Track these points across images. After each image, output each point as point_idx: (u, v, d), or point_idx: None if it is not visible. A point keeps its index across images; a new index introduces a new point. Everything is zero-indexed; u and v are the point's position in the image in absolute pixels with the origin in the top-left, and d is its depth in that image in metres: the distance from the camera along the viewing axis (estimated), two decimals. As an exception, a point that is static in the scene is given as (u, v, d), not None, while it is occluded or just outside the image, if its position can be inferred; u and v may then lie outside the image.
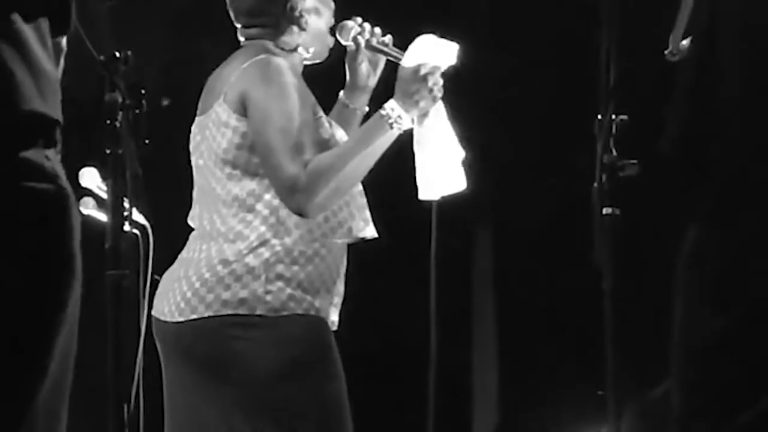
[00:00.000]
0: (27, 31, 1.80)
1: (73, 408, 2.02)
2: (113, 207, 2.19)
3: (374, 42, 3.09)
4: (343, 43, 3.09)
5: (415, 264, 3.34)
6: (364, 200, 3.02)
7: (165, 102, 4.52)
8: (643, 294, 3.28)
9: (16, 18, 1.78)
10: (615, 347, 2.56)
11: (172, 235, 3.10)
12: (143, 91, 2.13)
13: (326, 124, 2.99)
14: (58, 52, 1.90)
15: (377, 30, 3.12)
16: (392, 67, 3.04)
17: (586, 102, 2.50)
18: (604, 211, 2.47)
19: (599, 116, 2.51)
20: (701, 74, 2.35)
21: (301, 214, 2.80)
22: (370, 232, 2.99)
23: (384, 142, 2.86)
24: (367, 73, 3.14)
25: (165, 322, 2.90)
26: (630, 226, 2.44)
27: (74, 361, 1.93)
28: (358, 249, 3.10)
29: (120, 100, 2.10)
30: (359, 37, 3.08)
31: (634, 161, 2.50)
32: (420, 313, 3.08)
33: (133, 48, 2.15)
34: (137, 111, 2.13)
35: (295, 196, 2.79)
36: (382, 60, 3.13)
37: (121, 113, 2.11)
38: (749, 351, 2.34)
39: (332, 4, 3.08)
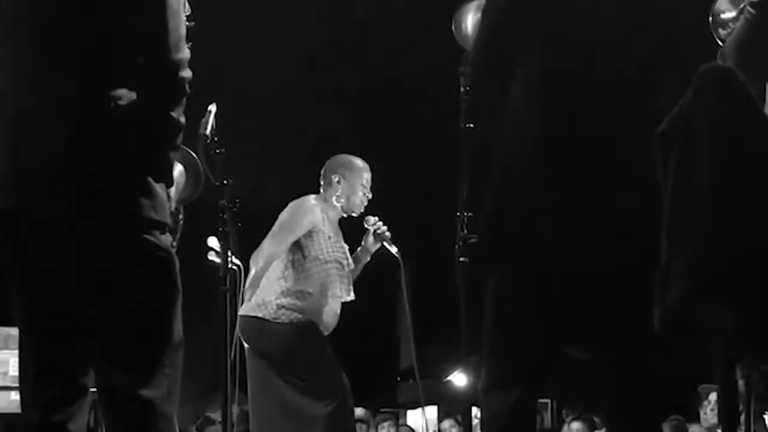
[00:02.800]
0: (154, 184, 2.60)
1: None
2: (224, 256, 4.16)
3: (380, 233, 5.23)
4: (366, 226, 5.25)
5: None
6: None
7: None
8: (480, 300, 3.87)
9: (150, 179, 2.59)
10: (468, 327, 3.97)
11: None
12: (237, 200, 4.24)
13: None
14: (168, 194, 2.71)
15: (384, 228, 5.22)
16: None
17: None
18: (461, 259, 4.22)
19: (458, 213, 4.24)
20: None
21: None
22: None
23: None
24: (369, 249, 5.30)
25: None
26: (471, 267, 4.16)
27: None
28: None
29: (226, 204, 4.13)
30: (374, 227, 5.24)
31: (474, 236, 4.25)
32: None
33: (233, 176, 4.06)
34: (234, 209, 4.20)
35: None
36: (378, 245, 5.20)
37: (226, 211, 4.14)
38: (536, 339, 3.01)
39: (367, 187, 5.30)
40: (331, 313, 5.21)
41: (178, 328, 2.65)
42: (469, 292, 3.93)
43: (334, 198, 5.33)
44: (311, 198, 5.30)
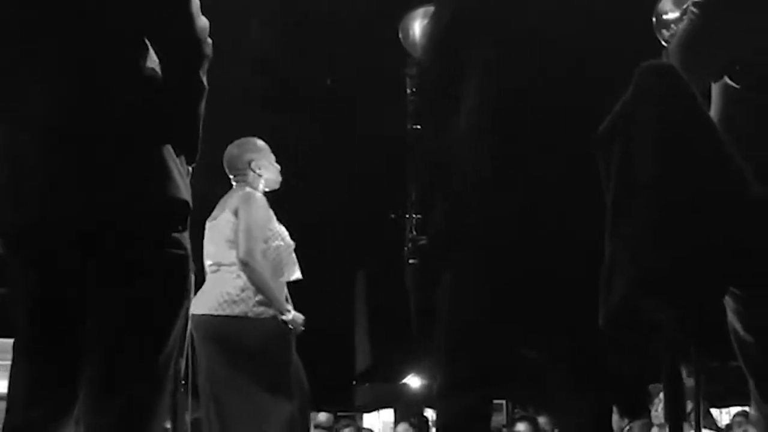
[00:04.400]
0: (176, 160, 2.50)
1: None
2: None
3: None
4: None
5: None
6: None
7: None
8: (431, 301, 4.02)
9: (172, 151, 2.48)
10: (419, 328, 4.12)
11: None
12: None
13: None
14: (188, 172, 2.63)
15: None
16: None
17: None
18: (410, 261, 4.27)
19: (407, 215, 4.32)
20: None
21: None
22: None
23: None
24: None
25: None
26: (421, 269, 4.24)
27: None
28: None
29: None
30: None
31: (424, 238, 4.28)
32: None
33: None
34: None
35: None
36: None
37: None
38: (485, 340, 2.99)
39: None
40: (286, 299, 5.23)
41: (177, 329, 2.62)
42: (419, 294, 4.01)
43: (261, 184, 5.38)
44: (252, 191, 5.32)
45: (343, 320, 18.38)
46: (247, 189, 5.30)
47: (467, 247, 3.02)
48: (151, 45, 2.54)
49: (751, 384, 2.94)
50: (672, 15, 3.19)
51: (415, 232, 4.06)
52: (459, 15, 3.08)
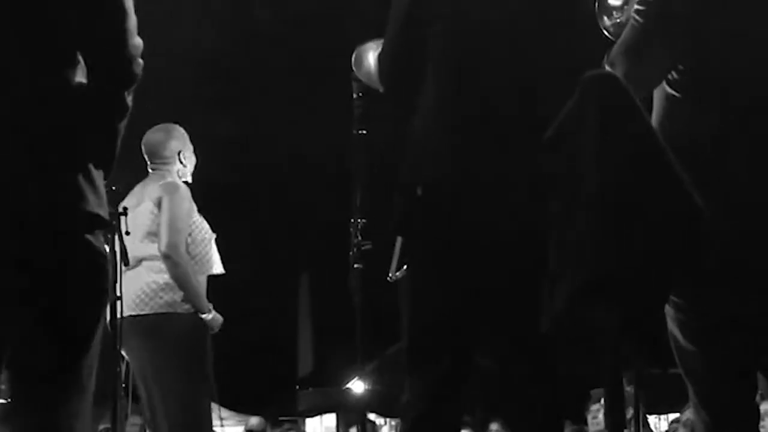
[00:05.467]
0: (94, 172, 2.51)
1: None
2: (111, 262, 4.19)
3: None
4: None
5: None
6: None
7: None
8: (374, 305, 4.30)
9: (91, 166, 2.49)
10: (362, 328, 4.11)
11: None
12: (125, 207, 4.17)
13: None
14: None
15: None
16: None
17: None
18: (355, 266, 4.24)
19: (352, 220, 4.19)
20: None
21: None
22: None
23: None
24: None
25: None
26: (364, 273, 4.19)
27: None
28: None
29: (112, 210, 4.11)
30: None
31: (369, 243, 4.30)
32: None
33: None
34: (121, 215, 4.21)
35: None
36: None
37: (112, 217, 4.12)
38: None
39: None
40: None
41: (99, 332, 2.59)
42: (364, 298, 3.98)
43: (187, 172, 5.19)
44: (176, 181, 5.10)
45: (287, 324, 18.28)
46: (169, 179, 5.05)
47: (425, 247, 2.97)
48: (82, 58, 2.54)
49: (690, 391, 2.97)
50: (615, 1, 3.09)
51: (360, 237, 3.98)
52: (414, 9, 3.05)
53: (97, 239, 2.53)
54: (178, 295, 4.87)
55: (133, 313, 4.85)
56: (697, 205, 2.33)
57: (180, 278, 4.84)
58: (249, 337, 15.91)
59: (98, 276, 2.55)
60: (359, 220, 4.08)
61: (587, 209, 2.24)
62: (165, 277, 4.88)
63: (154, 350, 4.87)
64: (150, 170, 5.15)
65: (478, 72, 2.97)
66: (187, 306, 4.89)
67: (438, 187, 2.92)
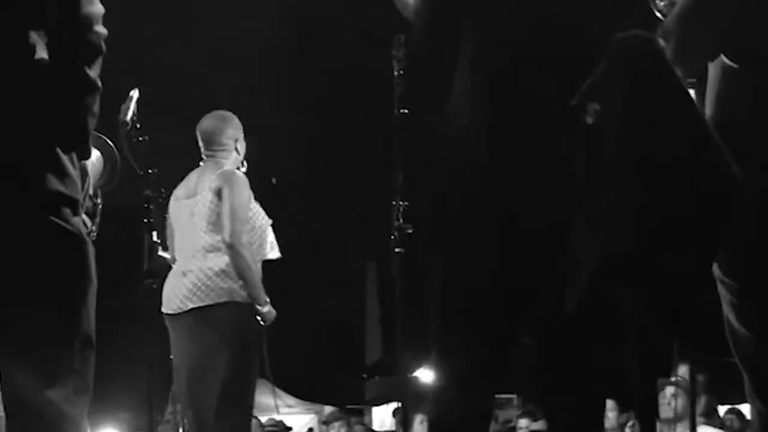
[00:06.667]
0: (63, 156, 2.39)
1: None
2: (148, 248, 4.11)
3: None
4: None
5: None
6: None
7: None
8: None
9: (58, 150, 2.37)
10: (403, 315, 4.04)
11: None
12: (163, 189, 4.13)
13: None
14: (83, 170, 2.60)
15: None
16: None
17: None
18: (396, 250, 4.10)
19: (393, 202, 4.06)
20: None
21: None
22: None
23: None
24: None
25: None
26: (407, 259, 4.04)
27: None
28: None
29: (150, 194, 4.02)
30: None
31: (410, 226, 4.16)
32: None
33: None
34: (160, 200, 4.13)
35: None
36: None
37: (151, 201, 4.01)
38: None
39: None
40: None
41: (88, 322, 2.43)
42: (406, 284, 3.85)
43: (240, 161, 5.12)
44: (234, 169, 5.04)
45: (354, 312, 18.23)
46: (226, 167, 5.00)
47: (461, 233, 2.83)
48: (41, 32, 2.38)
49: (745, 379, 2.84)
50: None
51: (401, 220, 3.85)
52: None
53: (64, 218, 2.39)
54: (237, 283, 4.82)
55: (187, 308, 4.83)
56: (735, 176, 2.16)
57: (242, 268, 4.80)
58: (317, 326, 15.89)
59: (71, 257, 2.41)
60: (401, 203, 3.94)
61: (614, 182, 2.09)
62: (220, 264, 4.83)
63: (206, 339, 4.81)
64: (204, 157, 5.10)
65: (512, 56, 2.82)
66: (244, 294, 4.82)
67: (472, 169, 2.79)
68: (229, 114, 5.15)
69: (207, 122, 5.09)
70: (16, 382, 2.37)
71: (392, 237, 3.96)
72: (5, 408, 2.42)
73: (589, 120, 2.12)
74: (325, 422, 10.33)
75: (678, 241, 2.09)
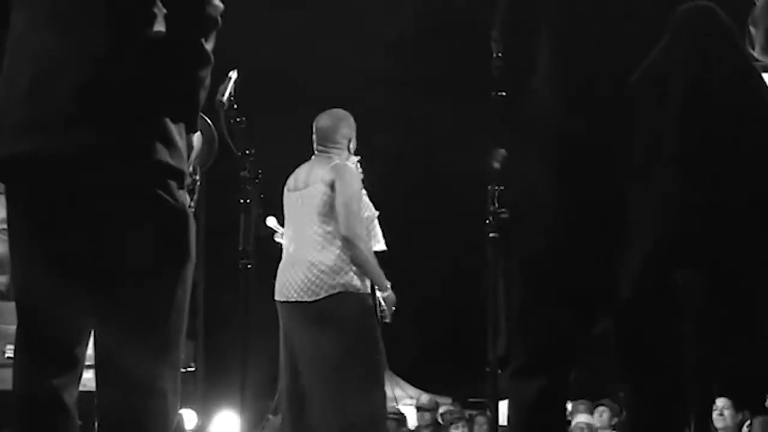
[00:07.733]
0: (172, 127, 2.46)
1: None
2: (245, 229, 3.97)
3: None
4: None
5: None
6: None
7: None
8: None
9: (168, 120, 2.44)
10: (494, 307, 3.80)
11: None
12: (260, 171, 4.13)
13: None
14: (189, 143, 2.60)
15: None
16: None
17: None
18: (491, 235, 4.00)
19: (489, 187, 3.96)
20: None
21: None
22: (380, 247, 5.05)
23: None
24: None
25: None
26: (501, 243, 3.97)
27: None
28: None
29: (248, 175, 3.97)
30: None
31: (505, 210, 4.05)
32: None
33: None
34: (256, 181, 4.03)
35: None
36: None
37: (248, 182, 3.96)
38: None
39: None
40: None
41: (183, 297, 2.49)
42: (498, 269, 3.77)
43: (353, 158, 5.26)
44: (347, 162, 5.19)
45: (478, 306, 18.09)
46: (337, 161, 5.15)
47: (541, 220, 2.99)
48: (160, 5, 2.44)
49: None
50: None
51: (496, 205, 3.78)
52: None
53: (170, 191, 2.44)
54: (349, 276, 4.96)
55: (302, 300, 4.95)
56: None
57: (359, 258, 4.95)
58: (441, 319, 15.87)
59: (173, 232, 2.47)
60: (497, 187, 3.86)
61: (671, 162, 2.06)
62: (330, 258, 4.96)
63: (320, 333, 4.92)
64: (316, 152, 5.26)
65: (590, 43, 2.81)
66: (358, 285, 4.96)
67: (554, 145, 2.90)
68: (346, 113, 5.32)
69: (324, 120, 5.28)
70: (111, 351, 2.44)
71: (486, 222, 3.95)
72: (97, 378, 2.47)
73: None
74: (426, 408, 10.33)
75: (741, 219, 2.05)
